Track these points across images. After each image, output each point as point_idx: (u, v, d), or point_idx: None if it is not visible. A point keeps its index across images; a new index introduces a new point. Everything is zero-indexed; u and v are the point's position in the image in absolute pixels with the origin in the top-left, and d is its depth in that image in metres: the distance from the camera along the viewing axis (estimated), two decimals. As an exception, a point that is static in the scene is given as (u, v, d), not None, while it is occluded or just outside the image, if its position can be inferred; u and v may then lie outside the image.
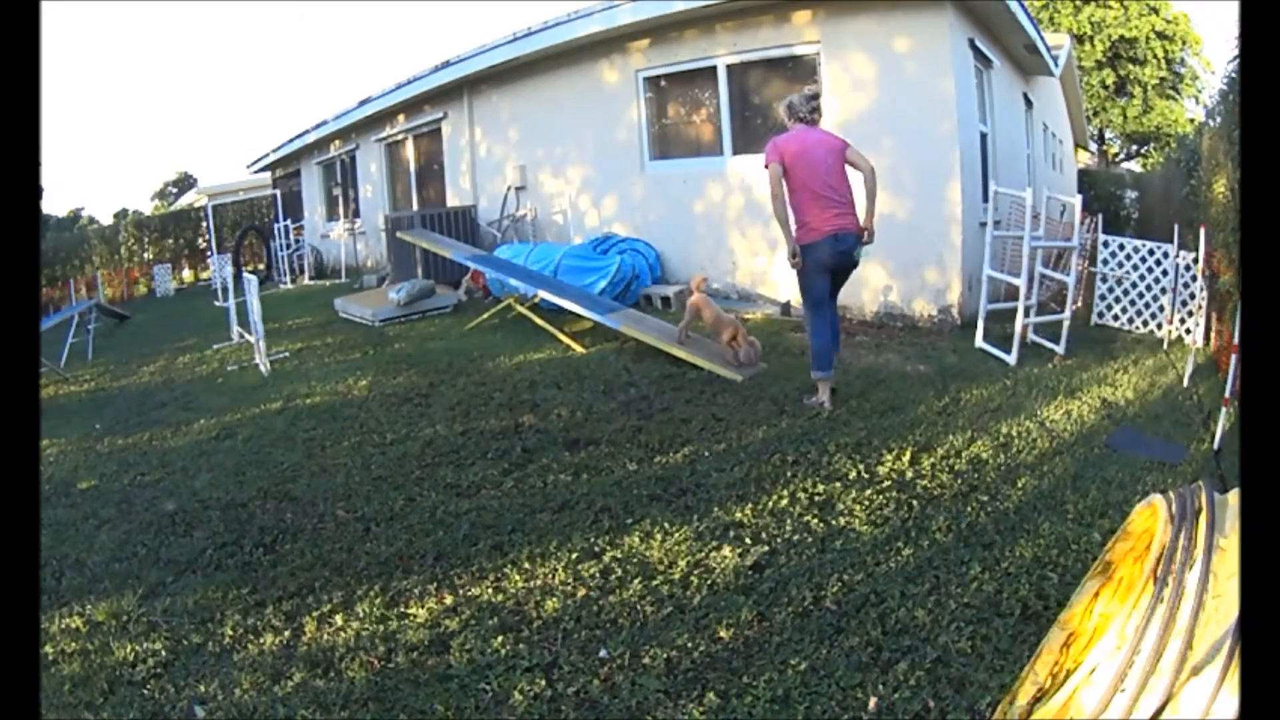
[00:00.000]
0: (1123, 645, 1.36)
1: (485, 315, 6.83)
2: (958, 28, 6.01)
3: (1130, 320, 6.00)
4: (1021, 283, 5.15)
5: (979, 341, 5.27)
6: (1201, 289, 4.97)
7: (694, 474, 3.32)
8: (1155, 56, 20.40)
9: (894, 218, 6.12)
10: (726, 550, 2.65)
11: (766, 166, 3.90)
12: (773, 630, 2.19)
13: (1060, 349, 5.12)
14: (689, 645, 2.15)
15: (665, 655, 2.11)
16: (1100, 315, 6.19)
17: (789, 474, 3.26)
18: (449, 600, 2.48)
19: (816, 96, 4.06)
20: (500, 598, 2.48)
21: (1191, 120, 19.82)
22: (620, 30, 7.32)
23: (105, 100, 65.31)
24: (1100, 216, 6.83)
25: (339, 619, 2.41)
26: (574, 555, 2.69)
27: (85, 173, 59.03)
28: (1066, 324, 5.23)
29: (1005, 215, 5.92)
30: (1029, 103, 9.74)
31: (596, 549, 2.74)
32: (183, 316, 10.59)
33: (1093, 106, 20.50)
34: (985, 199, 5.83)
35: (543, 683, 2.03)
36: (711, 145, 7.36)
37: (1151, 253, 5.84)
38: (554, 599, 2.44)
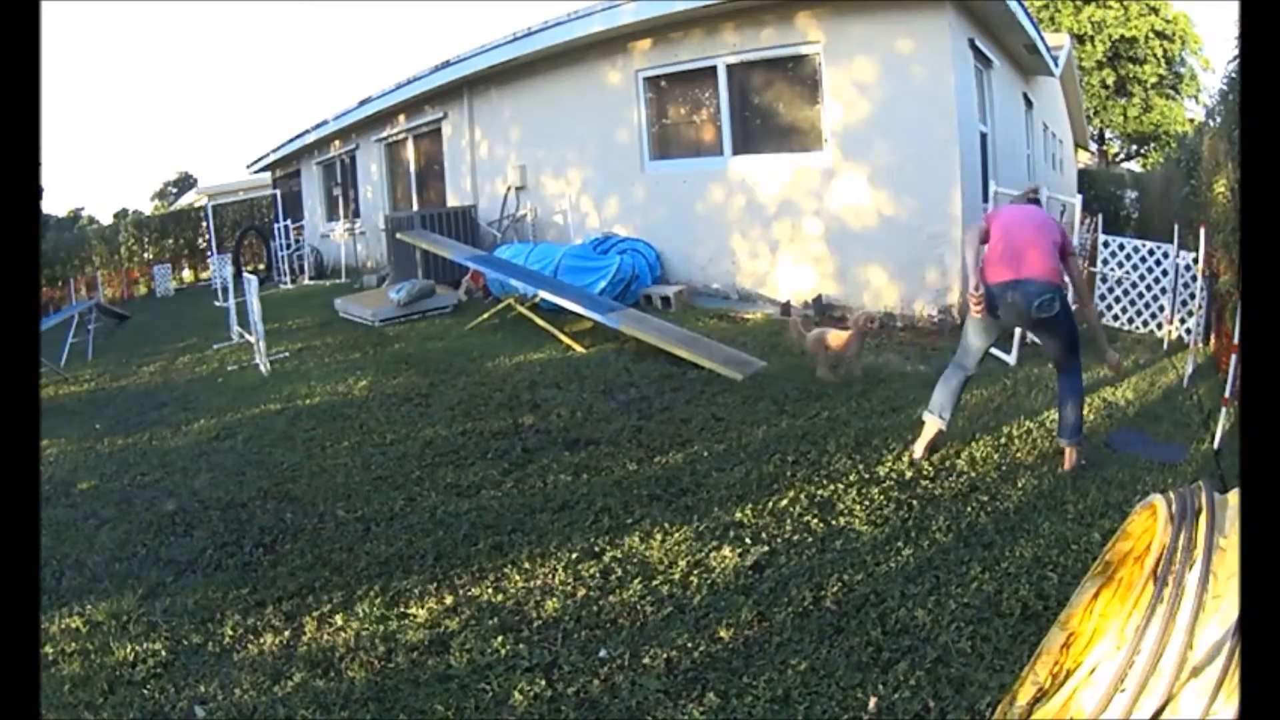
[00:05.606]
0: (1123, 645, 1.36)
1: (485, 315, 6.83)
2: (958, 28, 6.01)
3: (1130, 320, 5.99)
4: (1021, 283, 5.14)
5: (979, 341, 5.26)
6: (1201, 289, 4.95)
7: (694, 474, 3.32)
8: (1155, 56, 20.40)
9: (894, 218, 6.13)
10: (726, 550, 2.65)
11: None
12: (773, 630, 2.19)
13: (1060, 349, 5.11)
14: (689, 645, 2.15)
15: (665, 655, 2.11)
16: (1100, 315, 6.18)
17: (789, 474, 3.26)
18: (449, 600, 2.48)
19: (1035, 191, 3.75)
20: (500, 598, 2.48)
21: (1191, 120, 19.82)
22: (621, 30, 7.32)
23: (105, 100, 65.23)
24: (1100, 216, 6.82)
25: (339, 619, 2.41)
26: (574, 555, 2.69)
27: (85, 173, 58.95)
28: (1066, 324, 5.22)
29: (1005, 215, 5.91)
30: (1029, 103, 9.74)
31: (596, 549, 2.74)
32: (183, 317, 10.59)
33: (1093, 106, 20.50)
34: (985, 199, 5.82)
35: (543, 683, 2.03)
36: (712, 146, 7.36)
37: (1151, 253, 5.83)
38: (554, 599, 2.44)
